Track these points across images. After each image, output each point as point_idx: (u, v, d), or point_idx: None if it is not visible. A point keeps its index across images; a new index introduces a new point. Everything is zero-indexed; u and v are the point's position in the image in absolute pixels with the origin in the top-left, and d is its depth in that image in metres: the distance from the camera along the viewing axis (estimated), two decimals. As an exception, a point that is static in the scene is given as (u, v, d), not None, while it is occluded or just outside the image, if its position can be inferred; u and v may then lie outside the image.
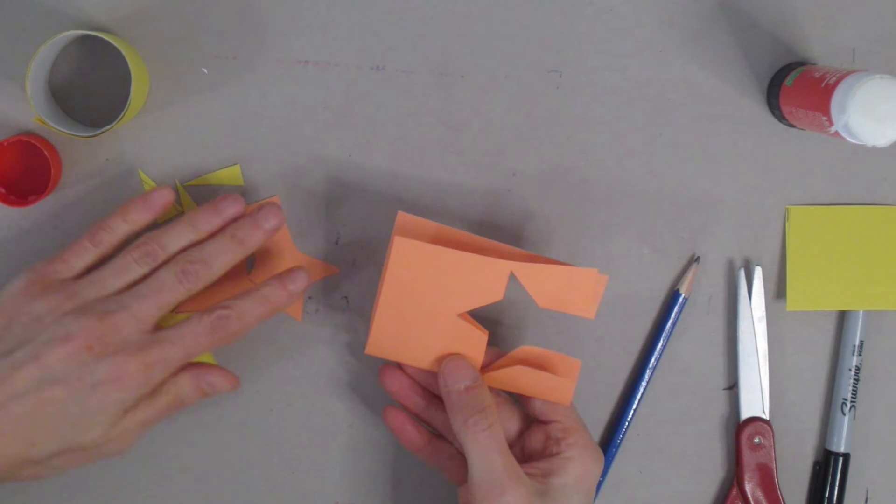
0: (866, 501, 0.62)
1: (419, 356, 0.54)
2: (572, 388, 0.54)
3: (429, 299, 0.53)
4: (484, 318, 0.59)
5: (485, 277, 0.53)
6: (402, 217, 0.54)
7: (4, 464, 0.48)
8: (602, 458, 0.54)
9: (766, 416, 0.60)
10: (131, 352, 0.49)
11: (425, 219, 0.54)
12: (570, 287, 0.53)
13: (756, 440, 0.59)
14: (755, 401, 0.60)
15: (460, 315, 0.54)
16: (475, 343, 0.54)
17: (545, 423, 0.54)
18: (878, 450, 0.61)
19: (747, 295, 0.59)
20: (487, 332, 0.54)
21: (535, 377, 0.54)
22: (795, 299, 0.60)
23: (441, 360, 0.54)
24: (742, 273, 0.59)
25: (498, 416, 0.52)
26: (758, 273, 0.59)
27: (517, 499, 0.49)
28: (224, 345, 0.52)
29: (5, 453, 0.48)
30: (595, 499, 0.54)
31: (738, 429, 0.60)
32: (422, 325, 0.53)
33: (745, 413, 0.60)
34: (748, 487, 0.59)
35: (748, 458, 0.59)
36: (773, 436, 0.59)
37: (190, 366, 0.53)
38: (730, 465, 0.61)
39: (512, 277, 0.53)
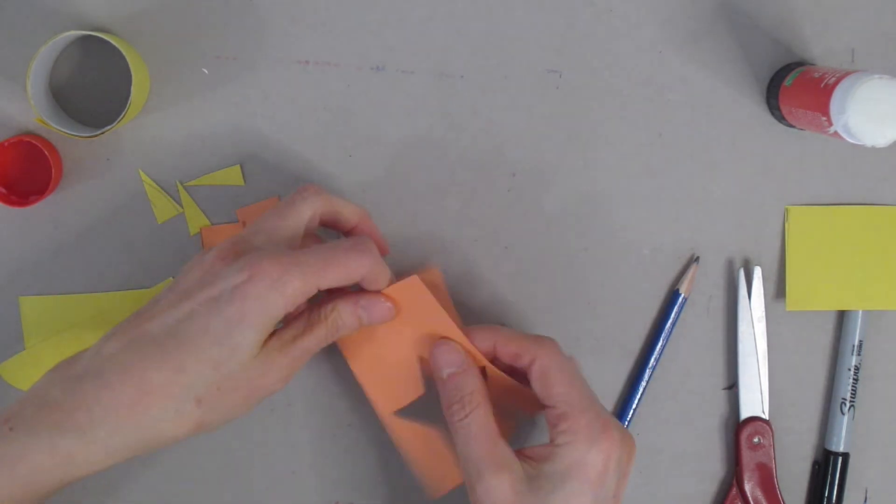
0: (865, 501, 0.62)
1: (360, 363, 0.56)
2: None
3: (404, 332, 0.54)
4: (490, 319, 0.59)
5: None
6: (428, 274, 0.55)
7: (161, 398, 0.45)
8: (617, 442, 0.49)
9: (766, 416, 0.60)
10: (263, 252, 0.47)
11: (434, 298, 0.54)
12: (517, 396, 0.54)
13: (756, 440, 0.59)
14: (755, 400, 0.60)
15: (420, 361, 0.55)
16: (410, 388, 0.55)
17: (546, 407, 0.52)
18: (878, 449, 0.61)
19: (747, 295, 0.59)
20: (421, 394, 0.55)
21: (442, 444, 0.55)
22: (795, 299, 0.60)
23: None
24: (741, 273, 0.59)
25: (484, 401, 0.51)
26: (757, 273, 0.59)
27: (495, 485, 0.48)
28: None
29: (153, 383, 0.45)
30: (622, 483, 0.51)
31: (737, 428, 0.60)
32: (381, 341, 0.54)
33: (745, 413, 0.60)
34: (748, 487, 0.60)
35: (748, 458, 0.60)
36: (773, 435, 0.60)
37: (349, 294, 0.52)
38: (729, 465, 0.61)
39: None
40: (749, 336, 0.59)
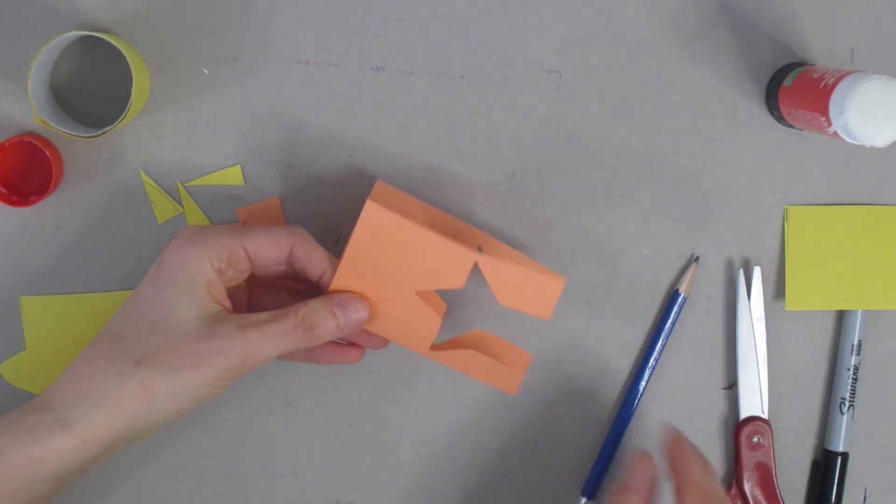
0: (865, 500, 0.62)
1: (373, 322, 0.54)
2: (520, 379, 0.55)
3: (389, 270, 0.52)
4: (490, 319, 0.59)
5: (448, 262, 0.52)
6: (381, 186, 0.54)
7: (104, 365, 0.47)
8: None
9: (765, 416, 0.60)
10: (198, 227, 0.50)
11: (404, 192, 0.53)
12: (530, 289, 0.53)
13: (755, 439, 0.60)
14: (754, 400, 0.60)
15: (418, 292, 0.53)
16: (429, 322, 0.53)
17: None
18: (877, 449, 0.61)
19: (746, 295, 0.59)
20: (444, 311, 0.54)
21: (486, 364, 0.54)
22: (794, 299, 0.60)
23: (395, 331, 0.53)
24: (741, 273, 0.59)
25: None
26: (756, 273, 0.59)
27: None
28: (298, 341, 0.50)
29: (97, 354, 0.47)
30: None
31: (737, 428, 0.60)
32: (379, 294, 0.53)
33: (745, 412, 0.60)
34: (747, 486, 0.60)
35: (747, 458, 0.60)
36: (772, 435, 0.60)
37: (326, 294, 0.52)
38: (729, 465, 0.61)
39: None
40: (749, 336, 0.59)
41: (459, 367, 0.55)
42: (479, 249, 0.55)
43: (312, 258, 0.52)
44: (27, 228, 0.58)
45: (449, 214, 0.55)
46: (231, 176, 0.58)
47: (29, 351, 0.58)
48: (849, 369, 0.60)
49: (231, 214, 0.58)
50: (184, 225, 0.58)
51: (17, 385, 0.59)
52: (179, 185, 0.58)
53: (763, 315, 0.60)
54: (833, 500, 0.60)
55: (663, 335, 0.60)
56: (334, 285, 0.52)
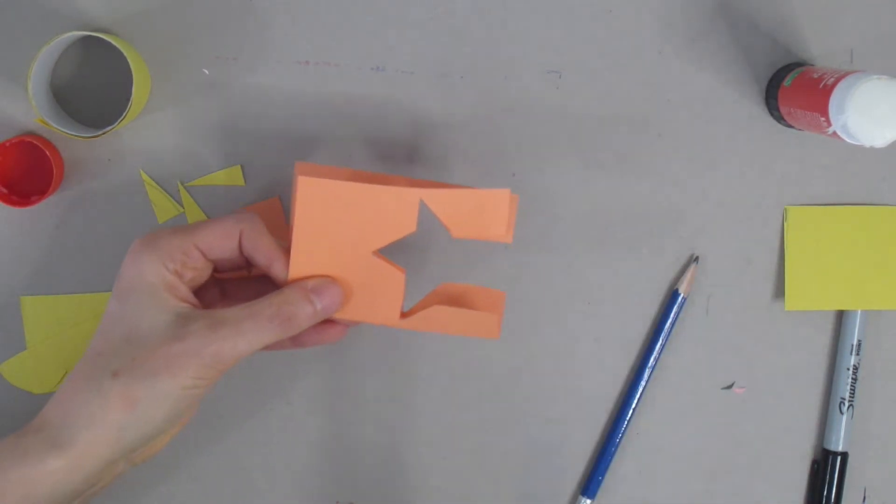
0: (864, 500, 0.62)
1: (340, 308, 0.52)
2: (498, 321, 0.52)
3: (342, 240, 0.50)
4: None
5: (395, 210, 0.50)
6: (302, 165, 0.52)
7: (83, 381, 0.47)
8: None
9: None
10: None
11: (323, 164, 0.52)
12: (482, 211, 0.51)
13: None
14: None
15: (375, 254, 0.51)
16: (393, 283, 0.51)
17: None
18: (877, 449, 0.61)
19: None
20: (404, 271, 0.52)
21: (457, 315, 0.52)
22: (794, 299, 0.60)
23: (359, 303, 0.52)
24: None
25: None
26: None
27: None
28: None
29: (77, 372, 0.47)
30: None
31: None
32: (338, 269, 0.51)
33: None
34: None
35: None
36: None
37: (299, 282, 0.50)
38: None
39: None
40: None
41: (434, 327, 0.52)
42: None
43: (258, 246, 0.51)
44: (27, 228, 0.58)
45: (374, 172, 0.53)
46: (231, 176, 0.58)
47: (29, 351, 0.58)
48: (848, 369, 0.60)
49: (231, 214, 0.59)
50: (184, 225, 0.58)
51: (18, 385, 0.59)
52: (180, 185, 0.58)
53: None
54: (833, 500, 0.60)
55: (663, 335, 0.60)
56: (292, 273, 0.51)
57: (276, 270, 0.51)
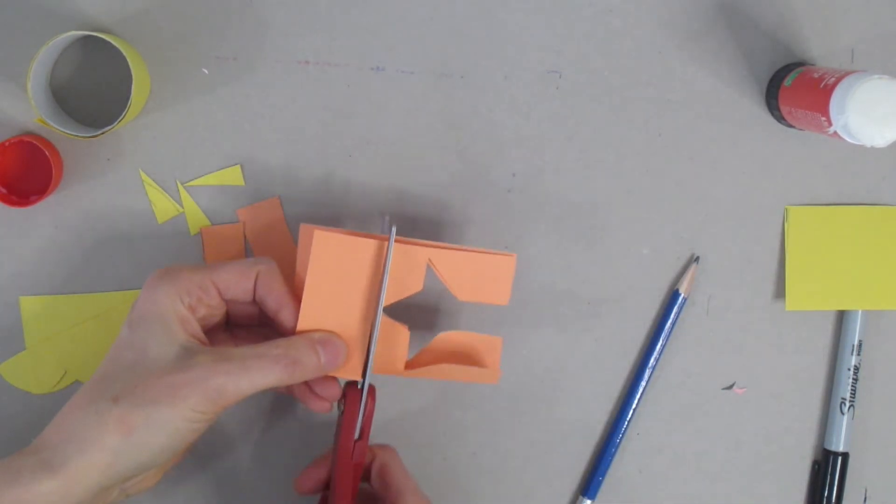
0: (865, 501, 0.62)
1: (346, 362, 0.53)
2: (496, 369, 0.54)
3: (351, 295, 0.52)
4: (490, 319, 0.59)
5: (403, 267, 0.52)
6: (306, 227, 0.53)
7: (84, 404, 0.47)
8: None
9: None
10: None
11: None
12: (484, 274, 0.53)
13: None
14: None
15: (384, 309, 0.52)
16: (399, 339, 0.53)
17: None
18: (877, 449, 0.61)
19: None
20: (407, 327, 0.53)
21: (460, 370, 0.54)
22: (794, 299, 0.60)
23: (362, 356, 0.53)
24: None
25: None
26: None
27: None
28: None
29: (79, 395, 0.48)
30: None
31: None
32: (346, 321, 0.52)
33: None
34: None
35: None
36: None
37: (305, 333, 0.51)
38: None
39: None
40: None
41: (437, 377, 0.54)
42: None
43: (272, 291, 0.52)
44: (27, 228, 0.58)
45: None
46: (231, 176, 0.58)
47: (29, 351, 0.58)
48: (849, 369, 0.60)
49: (231, 214, 0.58)
50: (184, 225, 0.58)
51: (17, 385, 0.59)
52: (179, 184, 0.58)
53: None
54: (833, 501, 0.60)
55: (663, 335, 0.60)
56: (301, 323, 0.52)
57: (285, 316, 0.52)
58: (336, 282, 0.51)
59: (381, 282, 0.51)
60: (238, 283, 0.51)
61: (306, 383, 0.54)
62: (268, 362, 0.49)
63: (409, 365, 0.54)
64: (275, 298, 0.52)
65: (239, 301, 0.52)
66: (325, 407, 0.54)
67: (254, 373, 0.48)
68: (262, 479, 0.60)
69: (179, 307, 0.50)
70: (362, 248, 0.51)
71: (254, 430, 0.60)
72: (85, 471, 0.46)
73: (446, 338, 0.54)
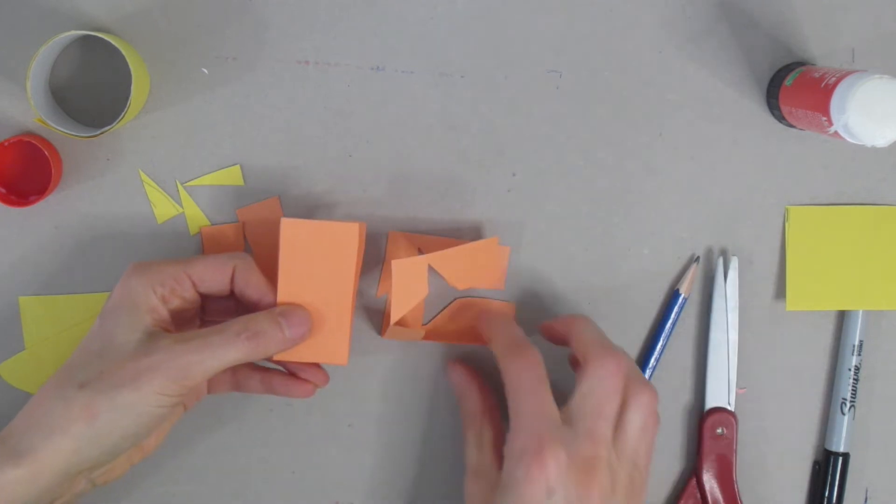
0: (866, 501, 0.62)
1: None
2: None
3: (325, 280, 0.53)
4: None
5: (405, 275, 0.54)
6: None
7: (51, 391, 0.48)
8: (611, 365, 0.51)
9: (731, 408, 0.60)
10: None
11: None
12: (477, 262, 0.56)
13: (719, 430, 0.59)
14: (721, 391, 0.60)
15: (356, 294, 0.56)
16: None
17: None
18: (878, 449, 0.61)
19: (723, 284, 0.59)
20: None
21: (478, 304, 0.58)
22: (795, 299, 0.60)
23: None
24: (720, 262, 0.59)
25: (481, 419, 0.56)
26: (734, 264, 0.59)
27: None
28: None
29: (47, 383, 0.48)
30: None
31: (701, 418, 0.60)
32: (324, 307, 0.53)
33: (711, 403, 0.60)
34: (706, 478, 0.59)
35: (709, 449, 0.59)
36: (737, 427, 0.59)
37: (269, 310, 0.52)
38: (691, 454, 0.61)
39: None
40: (722, 325, 0.59)
41: (456, 324, 0.58)
42: (419, 252, 0.58)
43: (250, 282, 0.52)
44: (27, 228, 0.58)
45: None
46: (231, 176, 0.58)
47: (28, 351, 0.58)
48: (850, 369, 0.60)
49: (231, 214, 0.58)
50: (183, 225, 0.58)
51: (17, 385, 0.58)
52: (179, 184, 0.58)
53: (737, 305, 0.59)
54: (834, 501, 0.60)
55: (663, 335, 0.60)
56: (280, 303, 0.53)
57: (266, 306, 0.52)
58: (309, 266, 0.52)
59: (356, 263, 0.53)
60: (213, 276, 0.52)
61: (291, 372, 0.55)
62: (229, 337, 0.49)
63: (427, 327, 0.58)
64: (254, 290, 0.52)
65: (215, 295, 0.53)
66: (307, 391, 0.55)
67: (216, 349, 0.49)
68: (265, 480, 0.60)
69: (151, 297, 0.50)
70: (330, 232, 0.52)
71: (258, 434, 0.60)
72: (51, 457, 0.46)
73: (458, 304, 0.58)
